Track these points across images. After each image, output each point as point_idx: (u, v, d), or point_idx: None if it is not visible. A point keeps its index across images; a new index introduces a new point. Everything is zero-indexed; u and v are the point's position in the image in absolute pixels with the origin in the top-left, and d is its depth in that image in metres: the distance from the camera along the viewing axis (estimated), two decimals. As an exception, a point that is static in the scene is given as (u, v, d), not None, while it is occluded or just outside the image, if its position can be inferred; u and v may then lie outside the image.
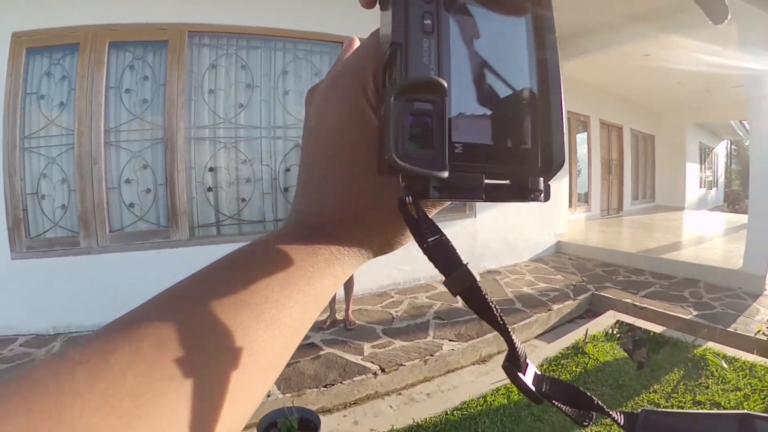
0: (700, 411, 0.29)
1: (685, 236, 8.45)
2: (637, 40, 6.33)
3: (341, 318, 4.05)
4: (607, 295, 4.81)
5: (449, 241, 0.24)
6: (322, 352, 3.45)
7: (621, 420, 0.26)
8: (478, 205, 5.81)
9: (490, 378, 3.11)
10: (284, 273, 0.25)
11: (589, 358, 3.30)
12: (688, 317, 4.16)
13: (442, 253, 0.24)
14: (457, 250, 0.23)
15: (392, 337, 3.71)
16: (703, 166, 17.19)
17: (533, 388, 0.24)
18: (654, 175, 14.10)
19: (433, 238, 0.24)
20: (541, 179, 0.24)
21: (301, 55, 4.83)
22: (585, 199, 10.41)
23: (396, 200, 0.24)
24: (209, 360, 0.20)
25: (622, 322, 4.00)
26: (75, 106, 4.11)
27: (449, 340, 3.63)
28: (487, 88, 0.24)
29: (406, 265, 5.21)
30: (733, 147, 24.96)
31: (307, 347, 3.55)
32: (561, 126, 0.25)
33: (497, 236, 6.20)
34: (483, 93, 0.24)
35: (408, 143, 0.21)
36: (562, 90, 0.26)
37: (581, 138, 10.25)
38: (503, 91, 0.24)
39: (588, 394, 0.25)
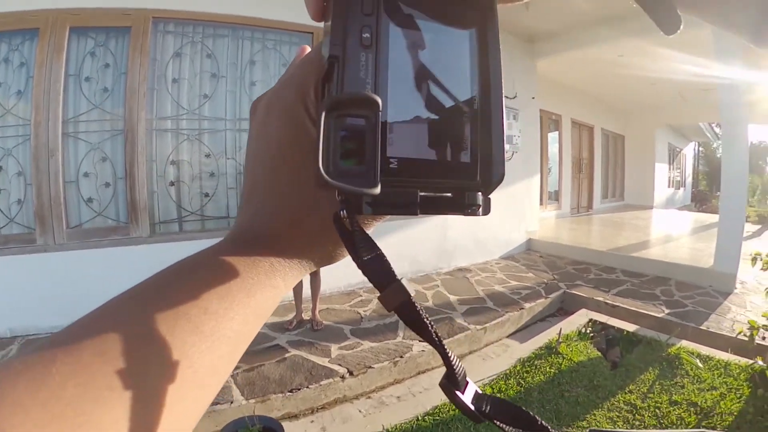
0: (650, 430, 0.32)
1: (655, 235, 8.61)
2: (612, 41, 6.38)
3: (308, 318, 3.93)
4: (579, 293, 4.81)
5: (384, 256, 0.24)
6: (287, 355, 3.33)
7: None
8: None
9: (462, 380, 3.04)
10: (225, 285, 0.25)
11: (563, 358, 3.26)
12: (660, 315, 4.18)
13: (376, 268, 0.24)
14: (392, 266, 0.24)
15: (361, 338, 3.60)
16: (671, 167, 17.64)
17: (473, 408, 0.24)
18: (623, 174, 14.41)
19: (367, 254, 0.24)
20: (479, 194, 0.24)
21: (270, 45, 4.67)
22: (556, 197, 10.49)
23: (329, 215, 0.25)
24: (148, 371, 0.20)
25: (595, 320, 4.00)
26: (32, 95, 3.88)
27: (419, 341, 3.54)
28: (426, 102, 0.24)
29: (376, 263, 5.11)
30: (700, 149, 25.73)
31: (272, 349, 3.42)
32: (501, 141, 0.24)
33: (467, 234, 6.16)
34: (422, 107, 0.24)
35: (340, 159, 0.21)
36: (504, 105, 0.25)
37: (553, 137, 10.32)
38: (443, 106, 0.24)
39: (531, 413, 0.25)
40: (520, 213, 7.12)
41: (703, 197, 21.47)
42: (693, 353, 3.37)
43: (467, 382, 0.25)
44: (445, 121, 0.24)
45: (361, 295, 4.71)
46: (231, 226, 0.32)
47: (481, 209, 0.24)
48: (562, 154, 10.38)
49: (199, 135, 4.43)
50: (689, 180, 22.30)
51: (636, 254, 6.25)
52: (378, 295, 0.23)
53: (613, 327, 3.92)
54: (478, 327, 3.80)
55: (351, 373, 3.07)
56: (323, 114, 0.21)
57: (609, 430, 0.50)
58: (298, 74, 0.28)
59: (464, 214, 0.24)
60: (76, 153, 4.09)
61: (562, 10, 5.84)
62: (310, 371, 3.08)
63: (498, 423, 0.25)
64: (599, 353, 3.52)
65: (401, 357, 3.29)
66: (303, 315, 3.94)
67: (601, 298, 4.61)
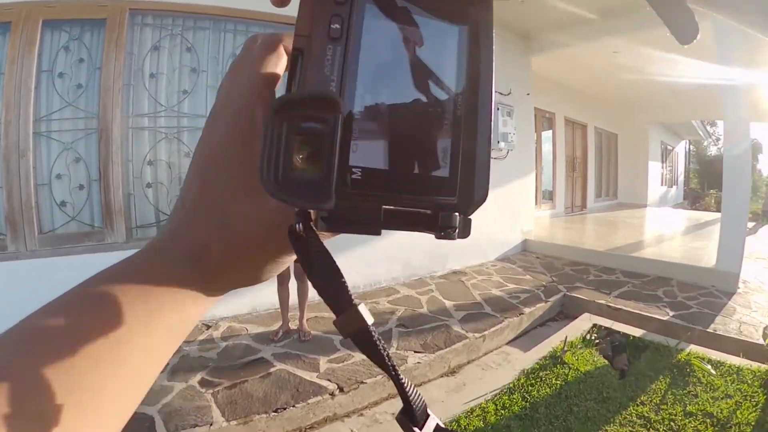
0: None
1: (652, 233, 8.50)
2: (607, 38, 6.23)
3: (295, 328, 3.71)
4: (580, 296, 4.62)
5: (342, 277, 0.22)
6: (272, 369, 3.10)
7: None
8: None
9: (463, 395, 2.84)
10: (123, 325, 0.22)
11: (569, 368, 3.06)
12: (665, 318, 4.00)
13: (333, 290, 0.22)
14: (349, 288, 0.22)
15: (351, 349, 3.37)
16: (664, 165, 17.62)
17: None
18: (617, 172, 14.36)
19: (324, 274, 0.22)
20: (456, 214, 0.22)
21: (255, 39, 4.41)
22: (550, 196, 10.34)
23: (272, 228, 0.24)
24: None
25: (600, 325, 3.81)
26: (3, 92, 3.63)
27: (414, 352, 3.32)
28: (402, 105, 0.22)
29: (366, 267, 4.91)
30: (691, 147, 25.79)
31: (255, 363, 3.20)
32: (487, 155, 0.22)
33: None
34: (396, 110, 0.22)
35: (292, 167, 0.19)
36: (493, 114, 0.23)
37: (546, 136, 10.17)
38: (422, 110, 0.22)
39: None
40: (515, 212, 6.91)
41: (696, 195, 21.53)
42: (703, 358, 3.21)
43: (428, 415, 0.24)
44: (422, 129, 0.22)
45: (351, 302, 4.48)
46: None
47: (457, 232, 0.22)
48: (556, 152, 10.24)
49: (178, 133, 4.18)
50: (681, 178, 22.32)
51: (635, 254, 6.10)
52: (333, 320, 0.22)
53: (619, 332, 3.74)
54: (477, 335, 3.58)
55: (341, 390, 2.84)
56: (272, 114, 0.19)
57: None
58: (252, 67, 0.26)
59: (437, 236, 0.22)
60: (49, 153, 3.84)
61: (556, 6, 5.67)
62: (296, 388, 2.85)
63: None
64: (606, 361, 3.33)
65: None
66: (290, 325, 3.71)
67: (602, 301, 4.43)
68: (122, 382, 0.22)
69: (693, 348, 3.41)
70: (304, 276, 3.64)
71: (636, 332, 3.73)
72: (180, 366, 3.19)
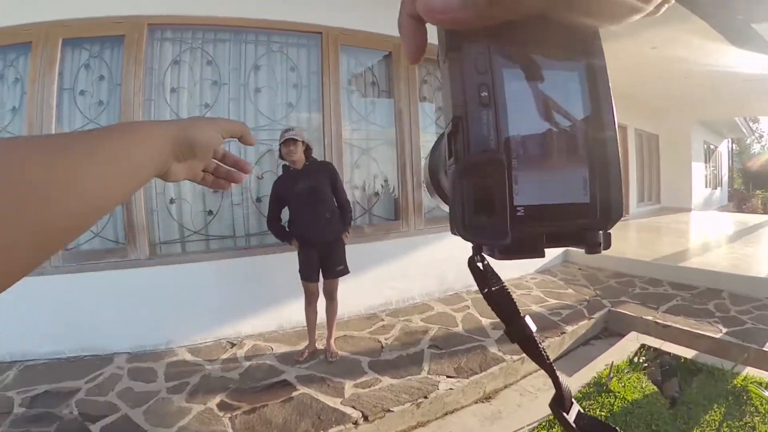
0: None
1: (698, 240, 7.93)
2: (644, 31, 5.85)
3: (322, 348, 3.52)
4: (626, 311, 4.26)
5: (510, 295, 0.30)
6: (295, 393, 2.91)
7: None
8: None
9: (499, 426, 2.56)
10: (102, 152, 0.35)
11: (615, 396, 2.75)
12: (717, 336, 3.62)
13: (505, 307, 0.30)
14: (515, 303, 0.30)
15: (380, 372, 3.16)
16: (707, 165, 16.74)
17: (575, 426, 0.30)
18: (659, 175, 13.67)
19: (497, 290, 0.30)
20: (600, 232, 0.26)
21: (276, 48, 4.29)
22: (590, 202, 9.86)
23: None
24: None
25: (648, 346, 3.46)
26: (26, 111, 3.68)
27: (447, 377, 3.07)
28: (546, 149, 0.25)
29: (400, 282, 4.69)
30: (734, 145, 24.46)
31: (278, 386, 3.03)
32: (619, 180, 0.26)
33: None
34: (543, 155, 0.25)
35: (474, 215, 0.24)
36: (618, 143, 0.26)
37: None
38: (563, 151, 0.25)
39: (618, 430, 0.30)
40: (554, 221, 6.54)
41: (742, 197, 20.37)
42: (761, 383, 2.83)
43: (572, 403, 0.30)
44: (565, 166, 0.25)
45: (382, 320, 4.27)
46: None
47: (602, 246, 0.26)
48: (596, 156, 9.76)
49: (200, 148, 4.07)
50: (725, 179, 21.17)
51: (683, 264, 5.65)
52: (504, 329, 0.31)
53: (668, 353, 3.38)
54: (515, 357, 3.29)
55: (366, 418, 2.62)
56: (456, 177, 0.24)
57: None
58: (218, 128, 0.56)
59: (586, 251, 0.26)
60: None
61: None
62: (318, 415, 2.65)
63: None
64: (655, 387, 2.99)
65: (425, 397, 2.82)
66: (317, 344, 3.54)
67: (650, 317, 4.06)
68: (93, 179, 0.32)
69: (749, 371, 3.04)
70: (335, 293, 3.46)
71: (687, 353, 3.36)
72: (200, 386, 3.08)
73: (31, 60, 3.67)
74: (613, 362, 3.04)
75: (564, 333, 3.79)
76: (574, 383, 2.89)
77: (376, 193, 4.85)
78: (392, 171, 4.92)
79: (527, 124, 0.25)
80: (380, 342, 3.71)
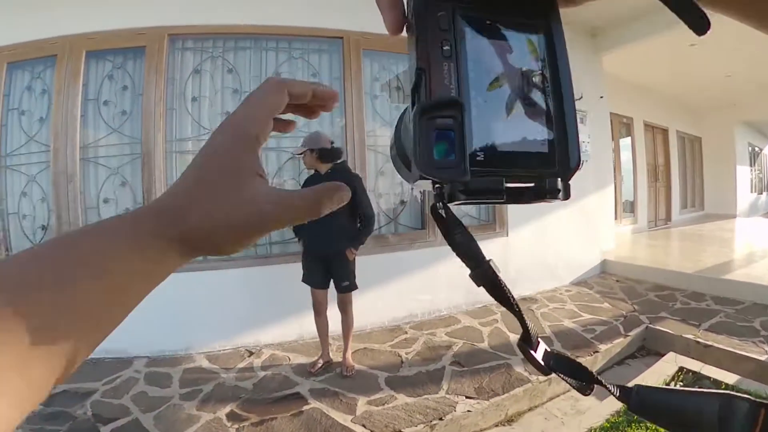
0: (688, 389, 0.31)
1: (745, 250, 7.37)
2: (681, 27, 5.46)
3: (337, 360, 3.41)
4: (664, 329, 3.96)
5: (474, 240, 0.30)
6: (306, 407, 2.82)
7: (616, 392, 0.31)
8: (511, 221, 5.12)
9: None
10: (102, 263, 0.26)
11: (647, 428, 2.51)
12: (763, 358, 3.30)
13: (469, 251, 0.30)
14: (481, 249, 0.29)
15: (396, 389, 3.02)
16: (752, 169, 15.77)
17: (542, 363, 0.31)
18: (702, 180, 12.99)
19: (460, 236, 0.30)
20: (559, 180, 0.27)
21: (297, 55, 4.25)
22: (631, 208, 9.43)
23: (252, 216, 0.30)
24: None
25: (686, 369, 3.19)
26: (51, 121, 3.81)
27: (466, 397, 2.89)
28: (504, 99, 0.27)
29: (426, 294, 4.53)
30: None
31: (290, 399, 2.94)
32: (575, 129, 0.28)
33: (533, 257, 5.35)
34: (501, 105, 0.27)
35: (434, 154, 0.25)
36: (574, 95, 0.29)
37: (624, 143, 9.34)
38: (519, 103, 0.27)
39: (587, 368, 0.31)
40: (592, 230, 6.23)
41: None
42: None
43: (539, 342, 0.32)
44: (523, 116, 0.27)
45: (405, 332, 4.13)
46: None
47: (561, 194, 0.27)
48: (636, 161, 9.35)
49: (222, 156, 4.07)
50: (771, 183, 19.88)
51: (727, 276, 5.24)
52: (468, 273, 0.30)
53: (708, 378, 3.10)
54: (542, 378, 3.08)
55: (375, 439, 2.49)
56: (417, 117, 0.25)
57: (654, 386, 0.30)
58: (262, 101, 0.33)
59: (545, 200, 0.27)
60: (96, 178, 3.94)
61: None
62: (326, 433, 2.54)
63: (561, 376, 0.31)
64: (693, 415, 2.72)
65: (441, 419, 2.65)
66: (330, 356, 3.44)
67: (690, 336, 3.76)
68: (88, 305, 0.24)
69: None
70: (348, 307, 3.29)
71: (729, 377, 3.07)
72: (213, 394, 3.05)
73: (56, 72, 3.79)
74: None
75: (597, 352, 3.54)
76: (602, 410, 2.67)
77: (402, 201, 4.72)
78: (419, 178, 4.78)
79: (488, 77, 0.26)
80: (400, 356, 3.56)
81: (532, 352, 0.31)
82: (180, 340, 3.81)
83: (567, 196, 0.27)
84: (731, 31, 5.34)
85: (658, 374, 3.11)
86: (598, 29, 6.34)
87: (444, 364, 3.41)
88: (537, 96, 0.27)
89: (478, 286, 0.29)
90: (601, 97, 6.43)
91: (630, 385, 0.31)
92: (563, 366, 0.32)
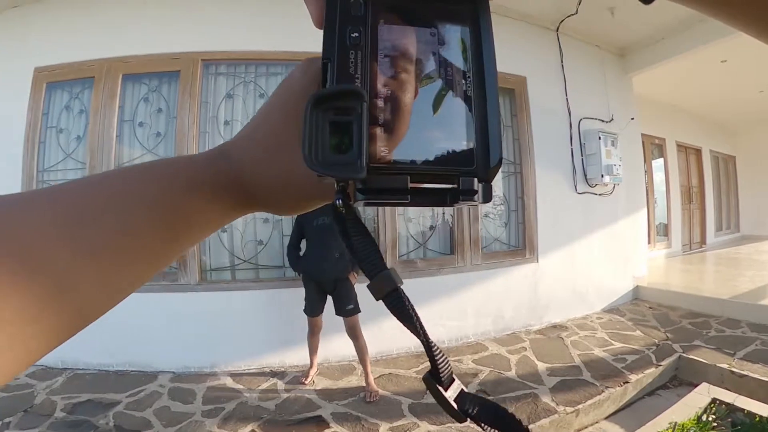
0: None
1: (782, 274, 7.08)
2: (711, 44, 5.40)
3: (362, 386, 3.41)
4: (698, 358, 3.81)
5: (375, 246, 0.25)
6: (327, 431, 2.82)
7: None
8: (541, 246, 5.06)
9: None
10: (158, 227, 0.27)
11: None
12: (800, 390, 3.15)
13: (367, 257, 0.25)
14: (382, 254, 0.27)
15: (419, 416, 2.98)
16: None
17: (455, 406, 0.25)
18: (737, 201, 12.54)
19: (359, 239, 0.25)
20: (475, 179, 0.25)
21: (326, 79, 4.34)
22: (665, 231, 9.18)
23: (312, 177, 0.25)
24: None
25: (719, 401, 3.06)
26: (88, 140, 3.97)
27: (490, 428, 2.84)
28: (417, 92, 0.25)
29: (454, 320, 4.49)
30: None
31: (311, 422, 2.95)
32: (497, 126, 0.25)
33: (564, 283, 5.25)
34: (416, 99, 0.25)
35: (330, 149, 0.22)
36: (498, 91, 0.26)
37: (657, 164, 9.13)
38: (435, 95, 0.25)
39: (517, 418, 0.25)
40: (624, 255, 6.06)
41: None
42: None
43: (453, 380, 0.26)
44: (437, 110, 0.25)
45: (432, 358, 4.08)
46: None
47: (480, 197, 0.25)
48: (669, 183, 9.13)
49: (252, 178, 4.16)
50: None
51: (764, 302, 5.02)
52: (366, 284, 0.25)
53: (743, 410, 2.96)
54: (569, 409, 3.00)
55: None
56: (308, 108, 0.22)
57: None
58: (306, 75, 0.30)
59: (461, 203, 0.25)
60: None
61: (649, 14, 5.07)
62: (347, 460, 2.53)
63: (483, 425, 0.25)
64: (725, 451, 2.61)
65: (464, 449, 2.62)
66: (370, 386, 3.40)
67: (725, 365, 3.61)
68: (131, 253, 0.26)
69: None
70: (358, 331, 3.31)
71: (763, 409, 2.92)
72: (235, 413, 3.08)
73: (93, 93, 3.97)
74: (676, 423, 2.69)
75: (627, 382, 3.43)
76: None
77: (432, 227, 4.71)
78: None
79: (401, 67, 0.25)
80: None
81: (441, 389, 0.25)
82: (205, 358, 3.87)
83: (487, 199, 0.25)
84: (762, 45, 5.21)
85: (690, 406, 2.99)
86: (626, 49, 6.27)
87: (470, 392, 3.35)
88: (457, 88, 0.25)
89: (377, 299, 0.25)
90: (632, 118, 6.33)
91: None
92: (486, 414, 0.25)
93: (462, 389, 0.26)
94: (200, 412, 3.08)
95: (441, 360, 0.25)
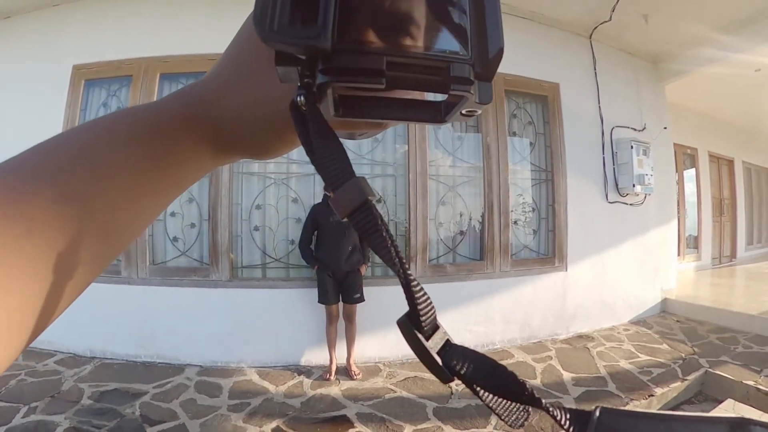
0: (678, 413, 0.19)
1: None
2: (745, 53, 5.28)
3: (343, 365, 3.83)
4: (724, 374, 3.74)
5: (342, 149, 0.21)
6: (351, 431, 2.87)
7: (565, 419, 0.18)
8: (570, 255, 5.01)
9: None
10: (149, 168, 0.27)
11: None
12: (827, 409, 3.09)
13: (330, 162, 0.21)
14: (350, 161, 0.20)
15: (443, 420, 3.01)
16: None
17: (439, 360, 0.20)
18: (770, 214, 12.14)
19: (321, 142, 0.21)
20: (469, 67, 0.20)
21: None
22: (695, 243, 8.99)
23: (282, 105, 0.24)
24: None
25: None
26: None
27: (514, 434, 2.86)
28: None
29: (481, 326, 4.51)
30: None
31: (336, 420, 3.02)
32: (497, 7, 0.21)
33: (592, 293, 5.20)
34: None
35: (287, 17, 0.18)
36: None
37: (689, 175, 8.95)
38: None
39: (522, 381, 0.19)
40: (654, 267, 5.97)
41: None
42: None
43: (438, 327, 0.21)
44: None
45: (458, 364, 4.11)
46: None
47: (477, 95, 0.21)
48: (700, 193, 8.93)
49: (286, 179, 4.25)
50: None
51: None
52: (329, 198, 0.21)
53: (765, 426, 2.90)
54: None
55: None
56: None
57: (626, 409, 0.16)
58: None
59: (449, 93, 0.20)
60: None
61: (683, 22, 4.99)
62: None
63: (477, 389, 0.19)
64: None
65: (487, 455, 2.65)
66: (335, 362, 3.79)
67: (751, 382, 3.54)
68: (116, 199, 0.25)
69: None
70: (353, 317, 3.57)
71: None
72: (261, 409, 3.14)
73: (131, 91, 4.11)
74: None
75: (652, 395, 3.41)
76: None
77: (462, 232, 4.73)
78: (479, 208, 4.77)
79: None
80: (450, 387, 3.54)
81: (421, 337, 0.20)
82: (232, 353, 3.95)
83: (486, 99, 0.21)
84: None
85: (717, 425, 2.96)
86: (659, 57, 6.17)
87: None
88: None
89: (342, 217, 0.20)
90: (665, 128, 6.22)
91: (590, 409, 0.19)
92: (479, 373, 0.20)
93: (448, 339, 0.20)
94: (226, 406, 3.15)
95: (423, 300, 0.20)
